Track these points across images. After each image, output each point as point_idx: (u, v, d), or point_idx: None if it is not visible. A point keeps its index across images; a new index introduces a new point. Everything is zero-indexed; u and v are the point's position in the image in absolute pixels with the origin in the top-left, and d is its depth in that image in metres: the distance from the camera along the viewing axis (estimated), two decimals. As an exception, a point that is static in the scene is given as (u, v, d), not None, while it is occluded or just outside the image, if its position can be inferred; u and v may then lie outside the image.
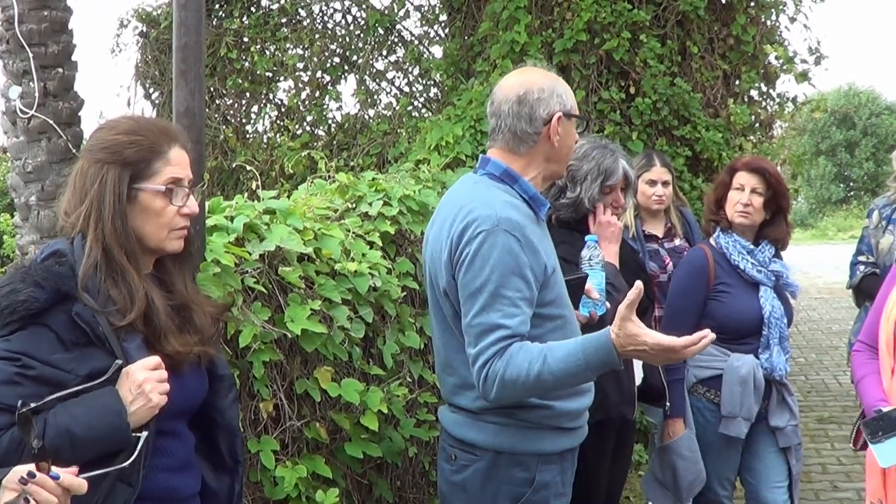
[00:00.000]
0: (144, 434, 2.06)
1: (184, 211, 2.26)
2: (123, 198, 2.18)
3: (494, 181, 2.81)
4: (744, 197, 3.99)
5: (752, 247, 4.02)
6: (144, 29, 9.04)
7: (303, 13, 9.00)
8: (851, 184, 34.21)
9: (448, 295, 2.72)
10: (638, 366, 3.75)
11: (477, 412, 2.78)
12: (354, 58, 8.88)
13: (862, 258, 5.11)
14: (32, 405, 1.85)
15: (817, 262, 17.23)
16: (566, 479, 2.89)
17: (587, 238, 3.39)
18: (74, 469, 1.87)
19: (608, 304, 3.28)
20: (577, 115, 2.88)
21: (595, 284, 3.24)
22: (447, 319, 2.78)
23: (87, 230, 2.16)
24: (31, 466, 1.79)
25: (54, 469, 1.81)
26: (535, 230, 2.76)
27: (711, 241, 4.13)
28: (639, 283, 2.51)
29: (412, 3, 8.90)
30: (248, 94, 9.05)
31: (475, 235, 2.62)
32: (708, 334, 2.46)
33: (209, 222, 3.11)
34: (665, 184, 4.98)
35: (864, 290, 5.00)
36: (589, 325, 3.06)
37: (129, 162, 2.19)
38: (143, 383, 2.05)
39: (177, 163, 2.26)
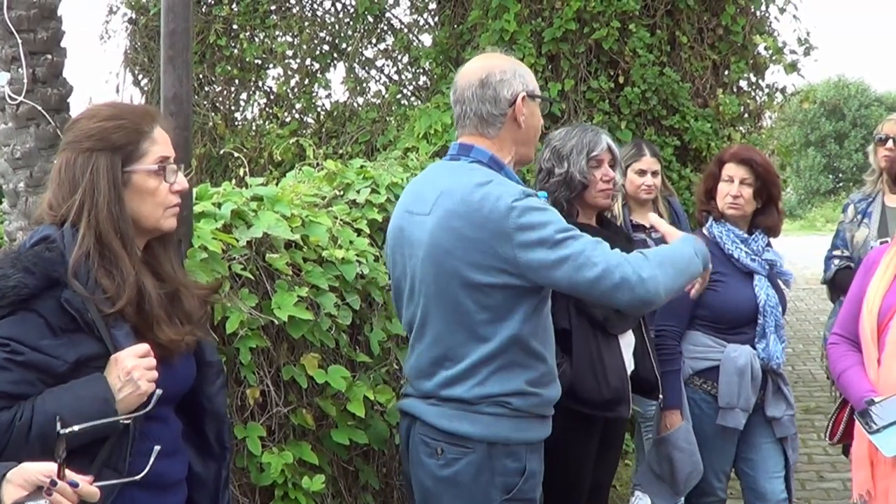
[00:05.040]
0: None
1: (175, 188, 2.29)
2: (119, 182, 2.19)
3: (486, 167, 2.80)
4: (733, 189, 3.98)
5: (745, 236, 4.01)
6: (133, 16, 9.00)
7: (292, 0, 8.98)
8: (840, 175, 34.20)
9: (470, 285, 2.68)
10: (628, 357, 3.72)
11: (472, 402, 2.74)
12: (343, 45, 8.86)
13: (837, 252, 5.13)
14: (76, 428, 1.89)
15: (805, 252, 17.15)
16: (543, 467, 2.97)
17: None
18: (90, 478, 1.89)
19: None
20: (541, 96, 2.92)
21: None
22: (461, 308, 2.72)
23: (79, 221, 2.16)
24: (53, 473, 1.80)
25: (74, 477, 1.83)
26: None
27: (704, 230, 4.11)
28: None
29: (401, -9, 8.89)
30: (236, 82, 9.02)
31: (510, 208, 2.63)
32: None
33: (196, 209, 3.11)
34: (654, 173, 5.01)
35: (838, 285, 5.02)
36: None
37: (118, 146, 2.21)
38: (132, 370, 2.06)
39: (162, 141, 2.28)
